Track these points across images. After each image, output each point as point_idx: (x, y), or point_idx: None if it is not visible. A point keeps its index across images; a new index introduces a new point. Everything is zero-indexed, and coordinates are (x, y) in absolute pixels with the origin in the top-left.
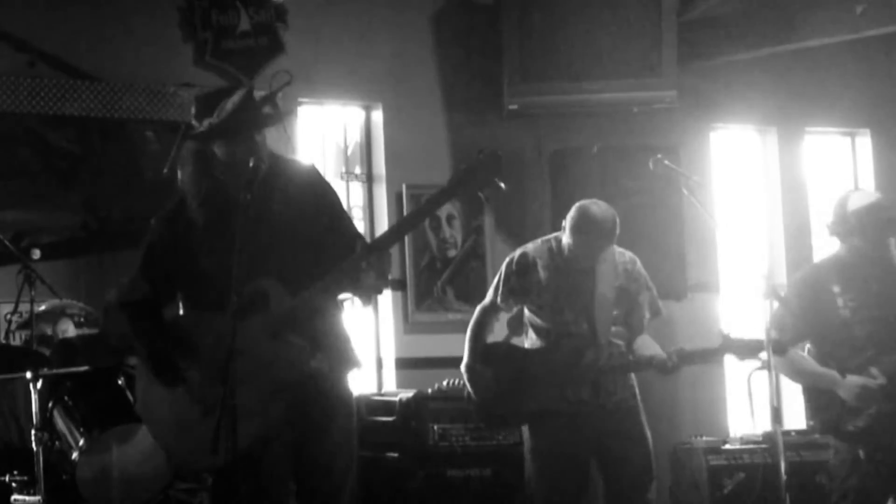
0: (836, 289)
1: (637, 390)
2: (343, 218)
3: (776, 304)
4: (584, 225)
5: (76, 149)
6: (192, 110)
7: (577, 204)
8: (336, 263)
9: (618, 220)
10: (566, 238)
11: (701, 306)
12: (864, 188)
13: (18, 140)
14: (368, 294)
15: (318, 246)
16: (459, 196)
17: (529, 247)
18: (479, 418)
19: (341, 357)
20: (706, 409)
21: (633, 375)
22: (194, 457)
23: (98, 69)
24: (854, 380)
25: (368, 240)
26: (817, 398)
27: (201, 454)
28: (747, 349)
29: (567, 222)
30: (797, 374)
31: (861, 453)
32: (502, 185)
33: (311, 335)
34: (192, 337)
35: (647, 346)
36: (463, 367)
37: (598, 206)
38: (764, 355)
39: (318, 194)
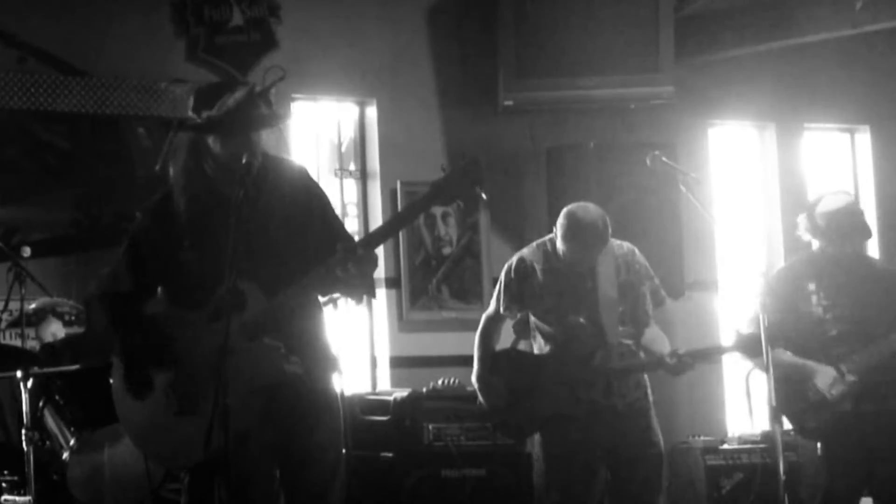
0: (812, 286)
1: (650, 390)
2: (334, 220)
3: (766, 292)
4: (575, 231)
5: (67, 145)
6: (190, 102)
7: (564, 210)
8: (318, 264)
9: (608, 220)
10: (559, 244)
11: (699, 304)
12: (840, 191)
13: (9, 137)
14: (356, 296)
15: (305, 248)
16: (440, 203)
17: (525, 252)
18: (494, 427)
19: (319, 360)
20: (704, 409)
21: (645, 375)
22: (168, 455)
23: (89, 65)
24: (830, 369)
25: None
26: (788, 395)
27: (176, 454)
28: (759, 345)
29: (557, 230)
30: (773, 365)
31: (819, 448)
32: (483, 194)
33: (288, 337)
34: (170, 335)
35: (656, 339)
36: (474, 378)
37: (585, 210)
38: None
39: (309, 196)
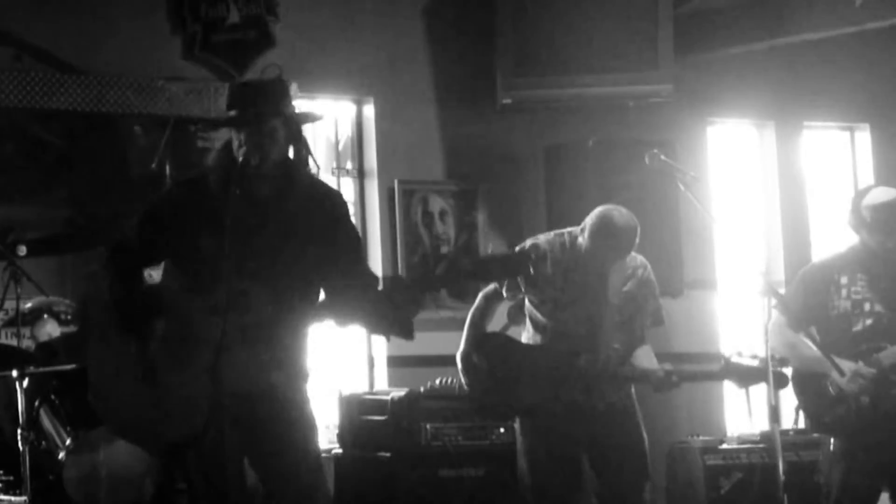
0: (844, 280)
1: (633, 390)
2: (362, 257)
3: (776, 298)
4: (605, 232)
5: (62, 143)
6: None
7: (600, 208)
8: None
9: (639, 231)
10: (583, 239)
11: (698, 304)
12: (884, 186)
13: (4, 134)
14: (386, 332)
15: (326, 271)
16: (478, 280)
17: (541, 238)
18: (470, 407)
19: (299, 371)
20: (703, 409)
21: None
22: (141, 437)
23: (85, 63)
24: (849, 363)
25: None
26: (806, 389)
27: (149, 435)
28: (747, 375)
29: (587, 225)
30: (795, 357)
31: (832, 443)
32: (522, 285)
33: (279, 348)
34: (163, 311)
35: (646, 357)
36: (458, 355)
37: (621, 215)
38: (763, 384)
39: (345, 227)
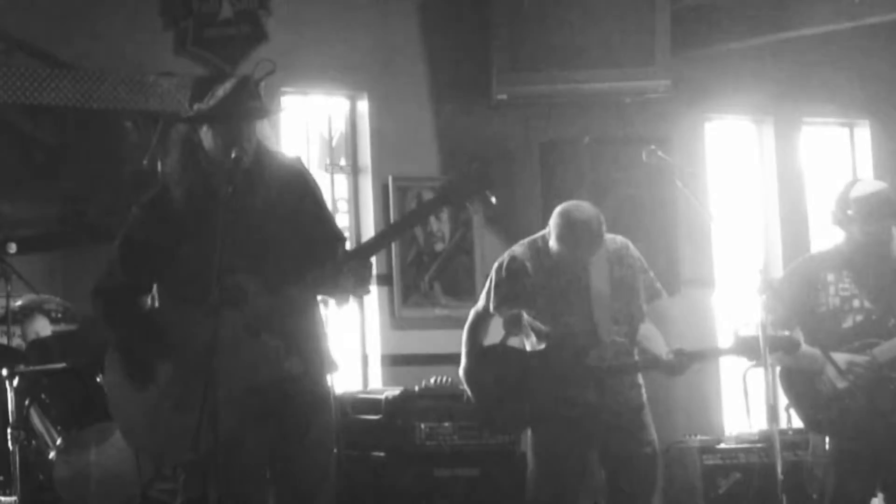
0: (831, 277)
1: (644, 389)
2: (325, 215)
3: (769, 291)
4: (569, 231)
5: (53, 140)
6: (188, 93)
7: (558, 209)
8: (317, 264)
9: (602, 219)
10: (552, 244)
11: (695, 302)
12: (870, 178)
13: None
14: (346, 297)
15: (301, 242)
16: (447, 207)
17: (517, 249)
18: (481, 423)
19: (317, 359)
20: (701, 408)
21: (639, 374)
22: (163, 452)
23: (76, 58)
24: (843, 355)
25: (352, 234)
26: (796, 387)
27: (170, 449)
28: (759, 348)
29: (551, 229)
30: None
31: (828, 443)
32: (493, 198)
33: (287, 335)
34: (167, 330)
35: (650, 337)
36: (461, 372)
37: (580, 210)
38: (776, 355)
39: (303, 189)
